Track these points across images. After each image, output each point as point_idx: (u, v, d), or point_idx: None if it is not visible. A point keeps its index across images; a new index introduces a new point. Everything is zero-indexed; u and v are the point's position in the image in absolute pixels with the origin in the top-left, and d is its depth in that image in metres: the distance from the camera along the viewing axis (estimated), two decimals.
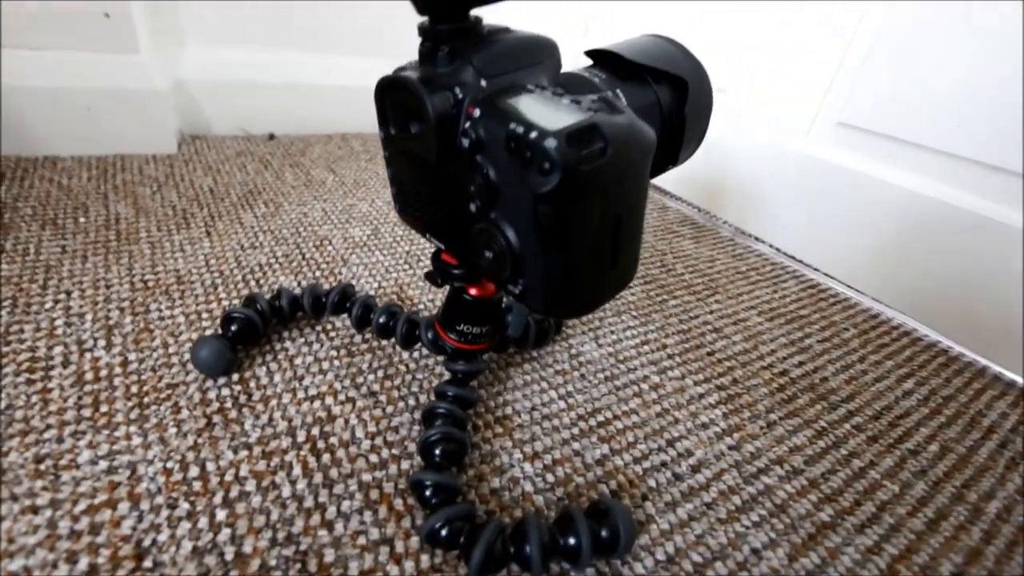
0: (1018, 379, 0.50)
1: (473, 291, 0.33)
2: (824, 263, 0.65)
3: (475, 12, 0.24)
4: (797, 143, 0.65)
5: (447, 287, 0.34)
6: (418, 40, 0.25)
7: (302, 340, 0.40)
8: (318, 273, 0.48)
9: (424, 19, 0.24)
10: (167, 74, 0.68)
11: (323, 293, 0.41)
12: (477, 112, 0.23)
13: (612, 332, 0.47)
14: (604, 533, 0.26)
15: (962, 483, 0.37)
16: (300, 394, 0.35)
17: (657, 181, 0.85)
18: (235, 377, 0.35)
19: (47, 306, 0.39)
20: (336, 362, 0.38)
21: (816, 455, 0.37)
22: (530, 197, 0.21)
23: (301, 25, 0.77)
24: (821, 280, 0.64)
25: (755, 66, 0.68)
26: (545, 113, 0.21)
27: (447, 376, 0.36)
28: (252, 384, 0.35)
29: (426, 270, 0.40)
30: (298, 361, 0.38)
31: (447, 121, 0.23)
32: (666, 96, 0.32)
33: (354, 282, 0.48)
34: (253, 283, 0.45)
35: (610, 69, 0.31)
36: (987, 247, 0.51)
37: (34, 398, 0.32)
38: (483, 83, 0.23)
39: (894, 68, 0.56)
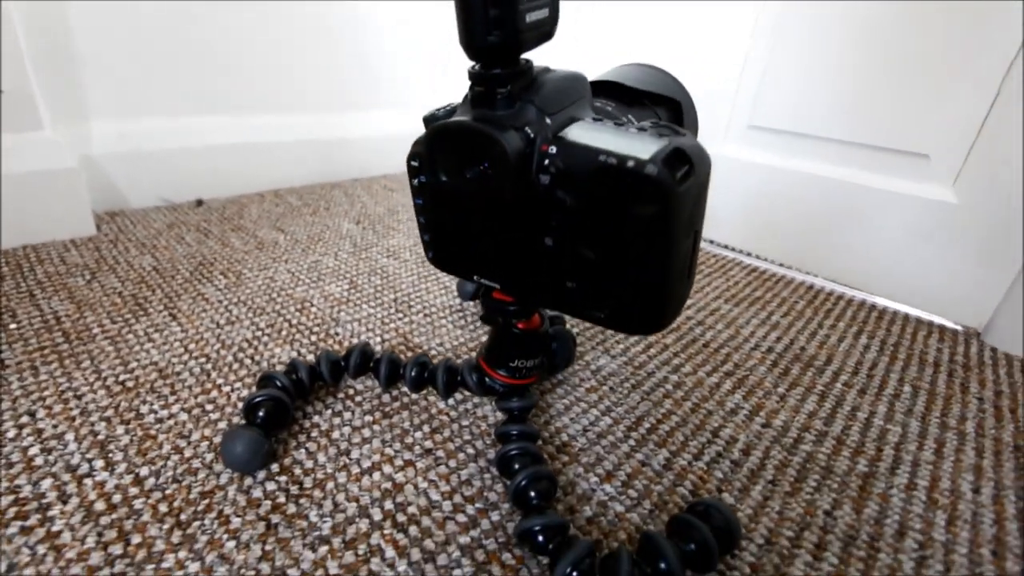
0: (921, 314, 0.59)
1: (521, 325, 0.33)
2: (756, 248, 0.73)
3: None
4: (716, 146, 0.73)
5: (487, 326, 0.34)
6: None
7: (329, 412, 0.37)
8: (313, 338, 0.45)
9: (474, 65, 0.24)
10: (75, 151, 0.60)
11: (340, 357, 0.38)
12: (553, 149, 0.23)
13: (618, 342, 0.49)
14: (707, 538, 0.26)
15: (939, 413, 0.43)
16: (355, 469, 0.32)
17: None
18: (275, 468, 0.32)
19: (10, 435, 0.32)
20: (376, 427, 0.36)
21: (828, 415, 0.42)
22: (624, 223, 0.22)
23: (216, 87, 0.72)
24: (757, 264, 0.71)
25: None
26: (624, 143, 0.22)
27: (502, 416, 0.36)
28: (298, 471, 0.32)
29: (479, 313, 0.38)
30: (335, 435, 0.35)
31: (522, 160, 0.24)
32: (664, 116, 0.35)
33: (353, 340, 0.46)
34: (248, 361, 0.41)
35: (614, 97, 0.34)
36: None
37: (40, 548, 0.26)
38: (548, 120, 0.24)
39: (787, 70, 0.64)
